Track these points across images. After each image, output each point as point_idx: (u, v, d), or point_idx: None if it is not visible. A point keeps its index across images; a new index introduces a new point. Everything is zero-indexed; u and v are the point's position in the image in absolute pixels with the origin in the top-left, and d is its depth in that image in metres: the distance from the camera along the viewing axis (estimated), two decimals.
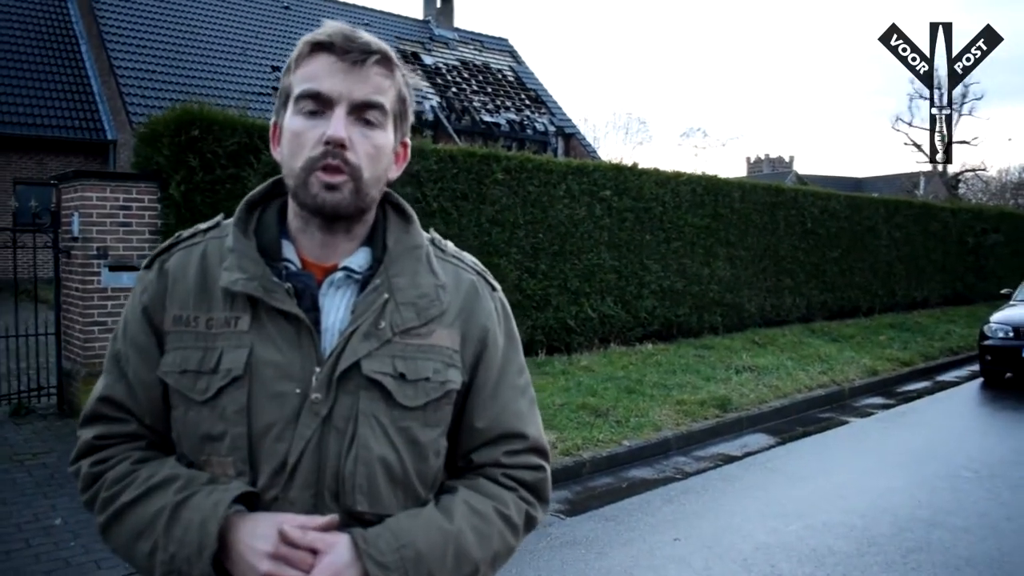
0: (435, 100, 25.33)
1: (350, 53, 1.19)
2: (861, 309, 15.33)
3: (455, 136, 23.22)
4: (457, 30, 29.74)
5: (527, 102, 28.35)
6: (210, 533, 1.11)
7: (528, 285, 9.77)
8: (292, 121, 1.21)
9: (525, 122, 27.24)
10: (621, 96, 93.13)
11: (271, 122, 1.29)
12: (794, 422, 8.00)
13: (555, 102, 29.31)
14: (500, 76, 28.96)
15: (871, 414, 8.54)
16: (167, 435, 1.25)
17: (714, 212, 12.24)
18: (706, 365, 9.72)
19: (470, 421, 1.31)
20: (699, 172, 12.29)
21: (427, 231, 1.38)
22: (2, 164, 18.23)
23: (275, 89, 18.53)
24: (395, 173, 1.31)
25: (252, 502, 1.17)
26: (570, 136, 28.36)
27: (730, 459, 6.65)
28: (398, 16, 28.97)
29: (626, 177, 11.01)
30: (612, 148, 46.48)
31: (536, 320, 9.88)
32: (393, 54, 1.24)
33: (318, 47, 1.21)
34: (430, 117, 24.60)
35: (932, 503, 5.47)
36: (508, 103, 27.66)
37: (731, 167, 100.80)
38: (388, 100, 1.23)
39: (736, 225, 12.64)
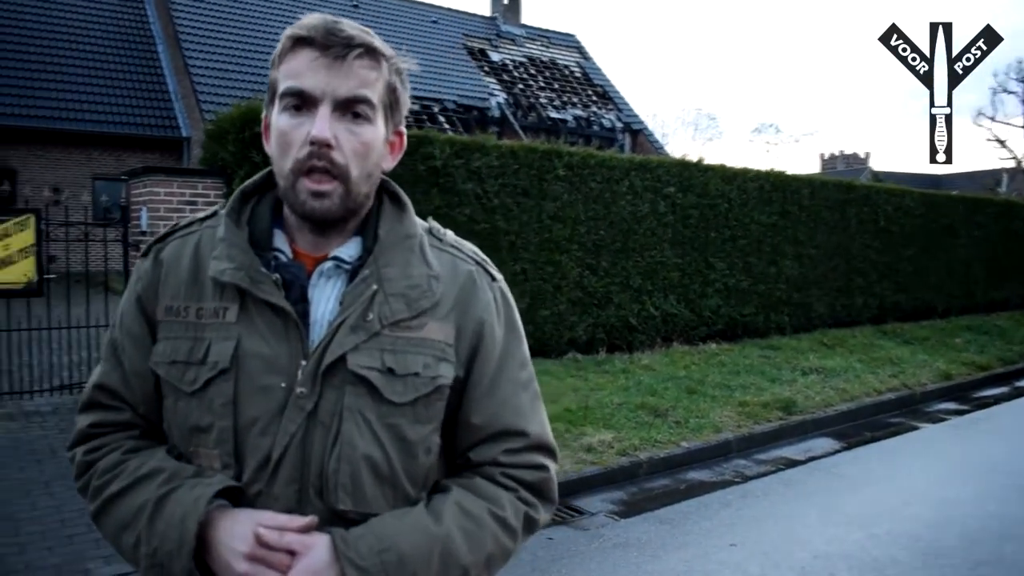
0: (501, 97, 25.37)
1: (332, 48, 1.14)
2: (937, 311, 14.79)
3: (521, 133, 23.21)
4: (524, 26, 29.75)
5: (594, 98, 28.21)
6: (189, 530, 1.10)
7: (589, 282, 9.69)
8: (278, 120, 1.18)
9: (592, 118, 27.09)
10: (691, 91, 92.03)
11: (263, 115, 1.27)
12: (861, 427, 7.75)
13: (623, 98, 29.10)
14: (567, 72, 28.87)
15: (943, 420, 8.23)
16: (161, 425, 1.25)
17: (782, 209, 11.97)
18: (771, 366, 9.50)
19: (467, 417, 1.26)
20: (767, 168, 12.02)
21: (425, 220, 1.35)
22: (83, 161, 18.88)
23: None
24: (390, 164, 1.28)
25: (237, 496, 1.15)
26: (637, 132, 28.11)
27: (792, 463, 6.48)
28: (465, 13, 29.10)
29: (691, 173, 10.84)
30: (681, 144, 45.91)
31: (597, 318, 9.79)
32: (378, 43, 1.19)
33: (300, 42, 1.16)
34: (496, 114, 24.66)
35: (1005, 514, 5.23)
36: (575, 99, 27.55)
37: (804, 164, 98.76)
38: (375, 93, 1.19)
39: (805, 223, 12.33)
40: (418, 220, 1.31)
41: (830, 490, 5.78)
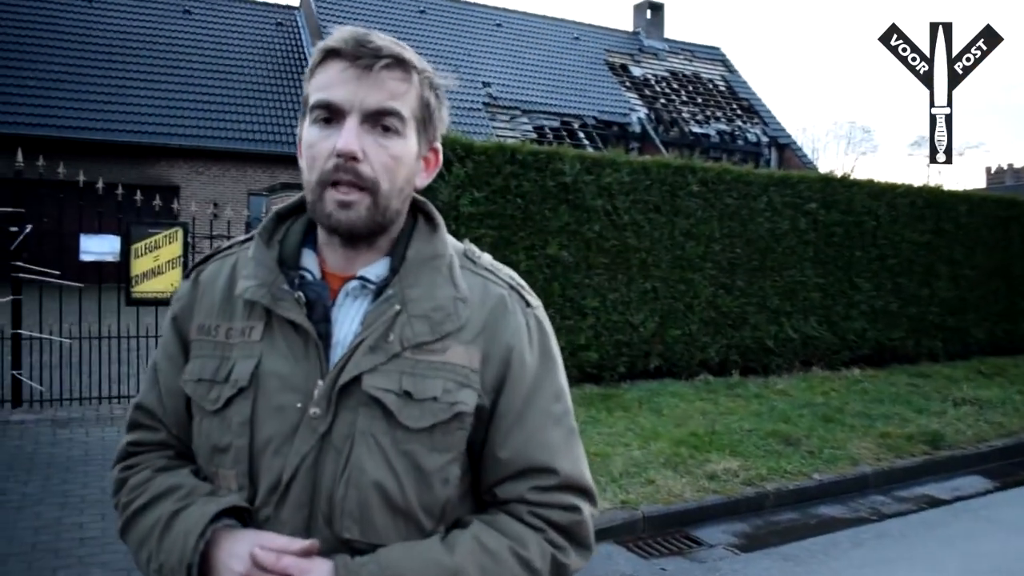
0: (643, 112, 25.16)
1: (361, 58, 1.11)
2: None
3: (662, 148, 22.92)
4: (667, 40, 29.43)
5: (739, 112, 27.55)
6: (191, 547, 1.08)
7: (723, 302, 9.39)
8: (308, 132, 1.16)
9: (736, 133, 26.46)
10: (845, 104, 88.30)
11: (297, 130, 1.25)
12: (1018, 466, 7.09)
13: (769, 111, 28.28)
14: (711, 86, 28.34)
15: None
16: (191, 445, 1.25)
17: (936, 227, 11.24)
18: (919, 395, 8.89)
19: (493, 450, 1.18)
20: (919, 184, 11.35)
21: (461, 241, 1.29)
22: (238, 177, 20.02)
23: (486, 104, 19.10)
24: (423, 181, 1.24)
25: (248, 517, 1.13)
26: (784, 147, 27.24)
27: (936, 502, 6.00)
28: (607, 29, 29.07)
29: (834, 189, 10.34)
30: (832, 159, 44.06)
31: (731, 339, 9.47)
32: (409, 56, 1.16)
33: (330, 54, 1.14)
34: (637, 129, 24.47)
35: None
36: (719, 113, 27.00)
37: (969, 179, 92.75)
38: (406, 105, 1.15)
39: (962, 241, 11.54)
40: (453, 241, 1.27)
41: (977, 534, 5.32)
